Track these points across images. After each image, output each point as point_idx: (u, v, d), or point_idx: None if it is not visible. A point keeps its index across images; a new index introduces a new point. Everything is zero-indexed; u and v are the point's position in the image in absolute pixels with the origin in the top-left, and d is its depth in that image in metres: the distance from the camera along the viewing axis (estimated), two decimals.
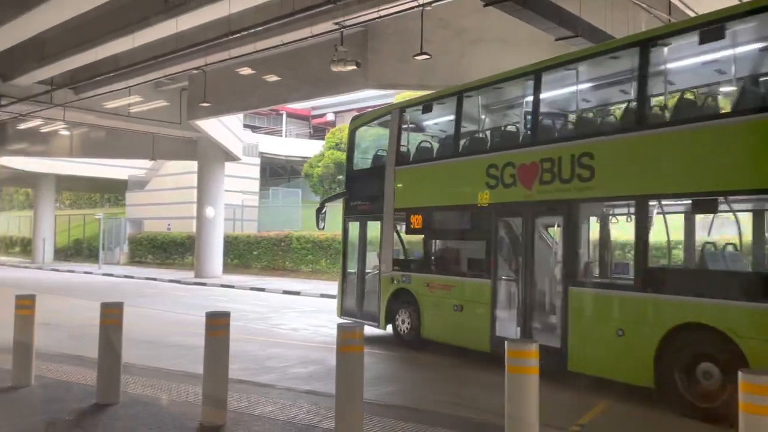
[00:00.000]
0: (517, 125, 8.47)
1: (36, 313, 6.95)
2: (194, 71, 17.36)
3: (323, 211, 11.37)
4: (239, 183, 35.79)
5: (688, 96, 6.74)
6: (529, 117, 7.89)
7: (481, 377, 7.24)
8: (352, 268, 10.71)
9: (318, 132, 52.29)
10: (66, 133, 25.84)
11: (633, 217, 6.49)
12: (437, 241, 9.24)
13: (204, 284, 22.10)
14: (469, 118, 9.02)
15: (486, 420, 4.88)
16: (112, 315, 6.27)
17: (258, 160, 40.57)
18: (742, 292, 5.41)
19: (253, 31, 12.15)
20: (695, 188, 5.76)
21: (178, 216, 33.72)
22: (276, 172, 49.69)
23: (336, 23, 12.52)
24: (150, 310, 14.57)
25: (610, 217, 7.61)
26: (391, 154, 9.76)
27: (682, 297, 5.82)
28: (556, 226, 7.57)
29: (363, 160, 11.03)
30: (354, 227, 10.70)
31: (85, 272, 27.81)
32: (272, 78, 17.43)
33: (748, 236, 6.25)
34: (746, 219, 6.27)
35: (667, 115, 6.55)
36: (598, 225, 7.76)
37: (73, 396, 6.30)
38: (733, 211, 5.87)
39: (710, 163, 5.67)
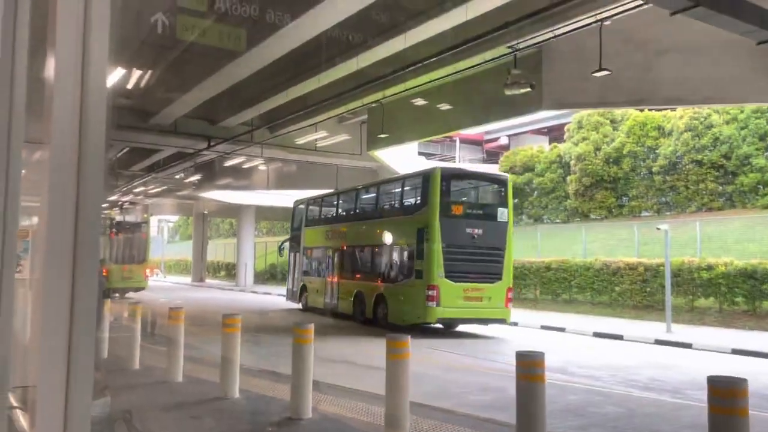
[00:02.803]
0: (332, 214, 20.68)
1: (240, 331, 7.75)
2: (373, 105, 18.36)
3: (283, 247, 25.12)
4: None
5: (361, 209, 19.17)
6: (334, 212, 20.55)
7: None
8: (290, 277, 22.74)
9: (491, 156, 52.00)
10: (263, 167, 28.72)
11: (355, 252, 18.30)
12: (314, 262, 20.89)
13: None
14: (325, 208, 21.48)
15: None
16: (303, 335, 6.76)
17: None
18: (368, 280, 17.24)
19: (426, 63, 12.56)
20: (361, 243, 18.25)
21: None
22: None
23: (509, 47, 12.46)
24: (338, 332, 15.43)
25: (353, 252, 18.36)
26: (304, 221, 21.99)
27: (357, 281, 17.76)
28: (342, 256, 18.90)
29: (296, 222, 23.06)
30: (292, 257, 22.73)
31: (279, 294, 30.39)
32: (445, 106, 17.81)
33: (369, 261, 17.60)
34: (372, 255, 17.39)
35: (356, 214, 19.22)
36: (348, 255, 18.60)
37: (272, 409, 6.87)
38: (371, 253, 17.60)
39: (363, 234, 18.24)
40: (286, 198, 40.70)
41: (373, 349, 11.90)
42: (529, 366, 4.95)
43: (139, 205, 30.40)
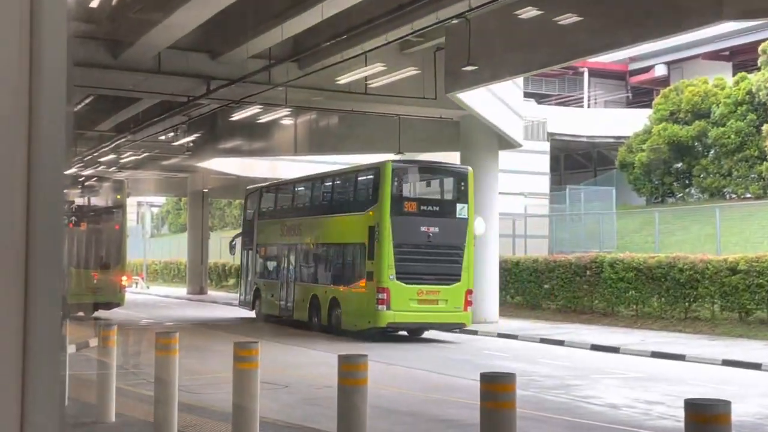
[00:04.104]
0: (287, 206, 27.09)
1: (260, 367, 7.91)
2: (453, 21, 18.22)
3: (233, 244, 31.15)
4: (520, 181, 36.45)
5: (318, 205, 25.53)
6: (289, 204, 27.19)
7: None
8: (243, 280, 28.75)
9: (640, 95, 50.88)
10: (288, 122, 29.05)
11: (310, 251, 24.65)
12: (268, 262, 26.88)
13: (474, 332, 22.88)
14: (280, 199, 28.08)
15: None
16: (353, 373, 6.84)
17: (547, 146, 40.88)
18: (323, 282, 23.24)
19: None
20: (316, 241, 24.25)
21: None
22: (575, 163, 49.49)
23: None
24: (402, 369, 15.64)
25: (308, 251, 24.48)
26: (257, 213, 27.96)
27: (312, 284, 23.68)
28: (297, 255, 25.03)
29: (249, 214, 29.24)
30: (245, 254, 28.32)
31: None
32: (569, 19, 17.46)
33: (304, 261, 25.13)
34: (327, 254, 23.79)
35: (310, 210, 25.54)
36: (303, 254, 24.59)
37: None
38: (324, 252, 24.04)
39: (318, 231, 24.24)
40: (322, 167, 41.17)
41: (420, 384, 12.00)
42: (707, 420, 4.85)
43: (110, 181, 31.37)
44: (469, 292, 20.78)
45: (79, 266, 26.44)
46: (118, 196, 28.89)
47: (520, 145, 28.05)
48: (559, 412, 11.26)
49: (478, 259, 25.55)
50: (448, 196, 22.24)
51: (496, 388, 5.87)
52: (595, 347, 19.30)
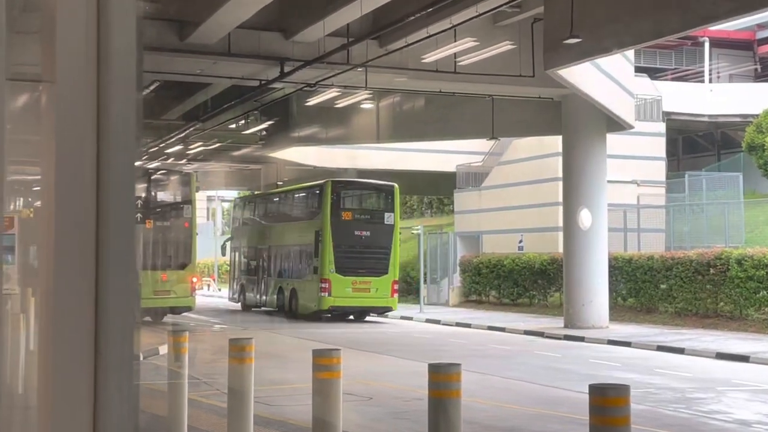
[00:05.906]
0: (262, 214, 38.85)
1: (341, 377, 7.99)
2: None
3: (224, 246, 43.49)
4: (632, 167, 35.85)
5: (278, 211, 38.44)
6: (263, 212, 38.59)
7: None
8: (232, 277, 39.62)
9: None
10: (369, 106, 29.18)
11: (278, 251, 34.60)
12: (249, 261, 36.84)
13: (580, 339, 22.68)
14: (257, 208, 39.61)
15: None
16: (445, 384, 6.84)
17: (662, 127, 40.06)
18: (285, 276, 33.23)
19: None
20: (279, 243, 34.76)
21: (535, 227, 35.19)
22: (696, 145, 48.44)
23: None
24: (499, 379, 15.59)
25: (276, 251, 34.24)
26: (241, 219, 40.46)
27: (279, 278, 33.68)
28: (268, 255, 35.04)
29: (236, 221, 42.41)
30: (233, 256, 39.43)
31: (402, 317, 30.91)
32: None
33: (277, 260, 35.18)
34: (289, 253, 33.85)
35: (277, 217, 37.37)
36: (273, 254, 34.48)
37: None
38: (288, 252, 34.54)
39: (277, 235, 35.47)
40: (405, 155, 41.29)
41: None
42: None
43: (178, 174, 32.02)
44: (395, 282, 29.87)
45: (146, 267, 26.98)
46: (187, 191, 29.42)
47: (632, 127, 27.58)
48: (679, 429, 11.10)
49: (586, 257, 25.27)
50: (378, 207, 31.29)
51: (607, 402, 5.80)
52: (721, 356, 18.91)
